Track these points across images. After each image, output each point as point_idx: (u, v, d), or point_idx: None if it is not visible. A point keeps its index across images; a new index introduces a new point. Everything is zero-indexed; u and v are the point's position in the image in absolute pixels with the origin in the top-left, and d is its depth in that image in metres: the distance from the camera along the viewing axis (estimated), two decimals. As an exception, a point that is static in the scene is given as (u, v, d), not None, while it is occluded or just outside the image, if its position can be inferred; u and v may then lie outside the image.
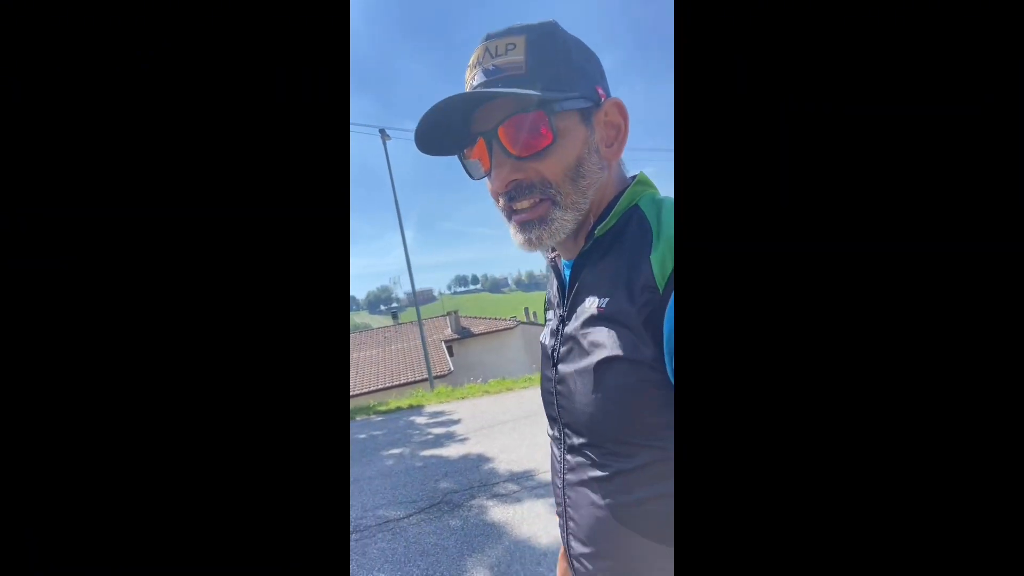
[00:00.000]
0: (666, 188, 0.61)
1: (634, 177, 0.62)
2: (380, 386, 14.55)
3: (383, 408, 7.07)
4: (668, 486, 0.51)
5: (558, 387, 0.60)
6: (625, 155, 0.63)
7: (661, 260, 0.51)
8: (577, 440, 0.58)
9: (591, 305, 0.56)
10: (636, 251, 0.53)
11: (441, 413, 6.11)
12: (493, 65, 0.54)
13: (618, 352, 0.52)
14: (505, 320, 19.13)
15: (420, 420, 5.89)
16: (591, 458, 0.57)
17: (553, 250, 0.66)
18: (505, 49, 0.54)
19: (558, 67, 0.54)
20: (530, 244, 0.57)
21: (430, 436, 5.01)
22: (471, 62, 0.57)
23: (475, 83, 0.56)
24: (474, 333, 16.53)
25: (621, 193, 0.59)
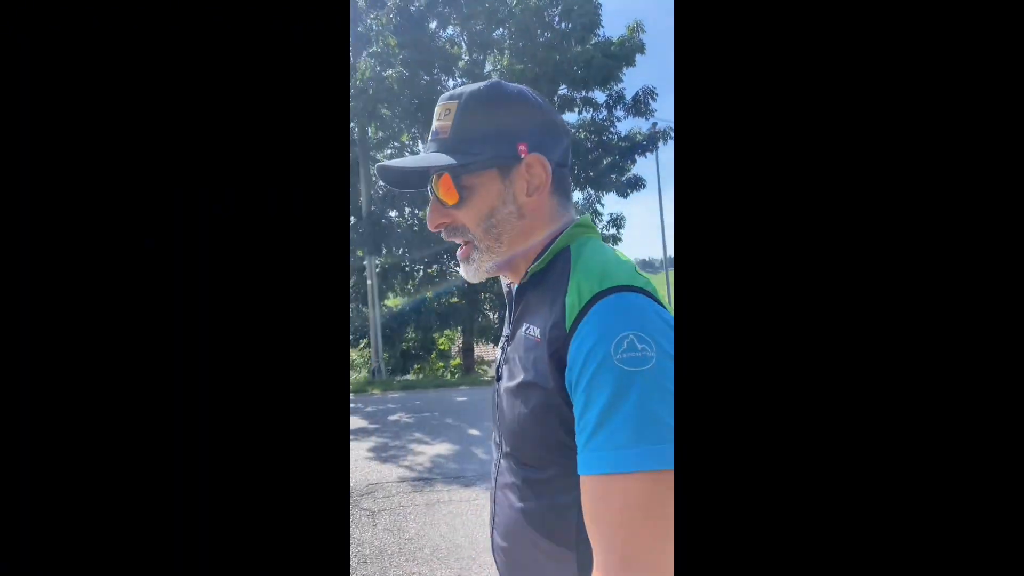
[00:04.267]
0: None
1: (575, 220, 0.67)
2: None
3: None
4: (569, 497, 0.56)
5: (497, 399, 0.68)
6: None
7: (572, 302, 0.56)
8: (507, 448, 0.66)
9: (524, 331, 0.63)
10: (558, 290, 0.59)
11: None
12: (436, 127, 0.65)
13: (534, 378, 0.58)
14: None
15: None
16: (513, 466, 0.64)
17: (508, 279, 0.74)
18: (444, 114, 0.64)
19: (478, 130, 0.62)
20: (465, 276, 0.67)
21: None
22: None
23: (428, 136, 0.67)
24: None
25: (559, 234, 0.65)
